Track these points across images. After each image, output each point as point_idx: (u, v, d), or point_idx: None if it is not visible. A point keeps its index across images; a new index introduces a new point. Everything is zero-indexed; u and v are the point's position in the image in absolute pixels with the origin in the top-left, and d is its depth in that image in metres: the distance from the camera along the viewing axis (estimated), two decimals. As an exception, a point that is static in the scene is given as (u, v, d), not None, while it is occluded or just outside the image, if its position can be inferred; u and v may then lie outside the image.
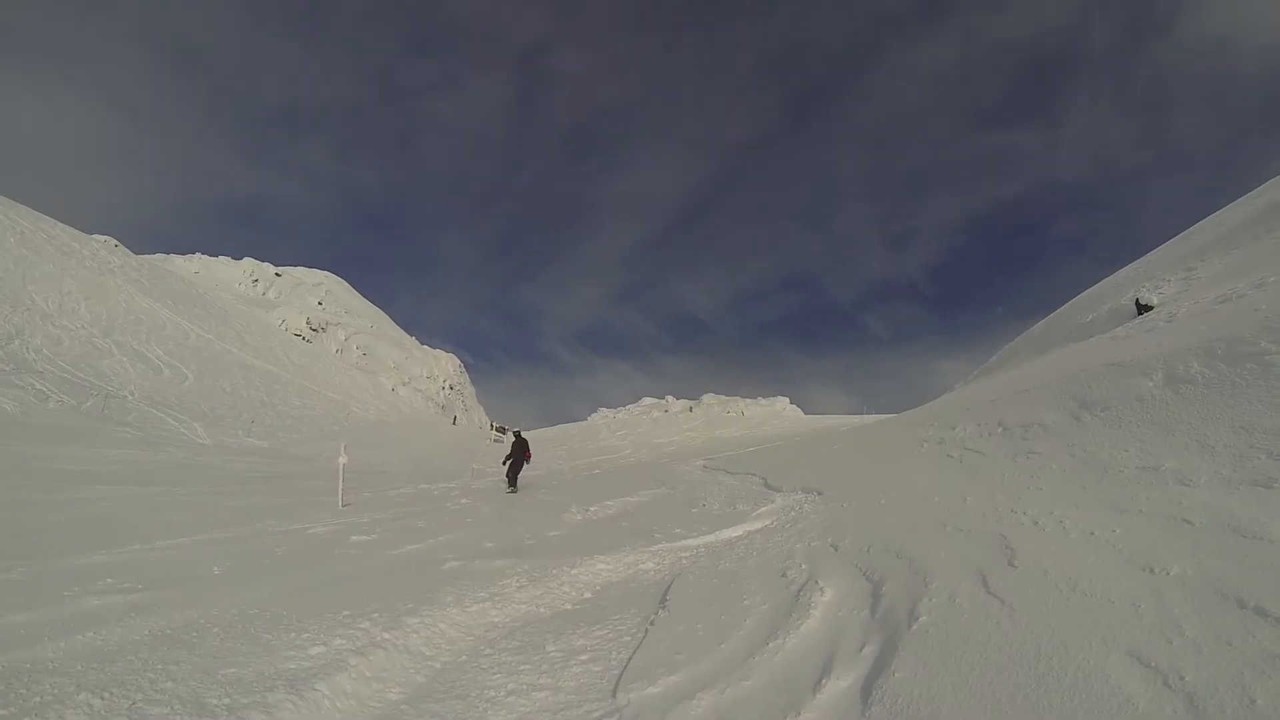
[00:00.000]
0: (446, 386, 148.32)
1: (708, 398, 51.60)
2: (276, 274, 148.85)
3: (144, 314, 52.43)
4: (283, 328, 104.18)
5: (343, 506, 13.73)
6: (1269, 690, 3.03)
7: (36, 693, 4.09)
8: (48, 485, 13.28)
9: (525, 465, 21.19)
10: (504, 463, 21.22)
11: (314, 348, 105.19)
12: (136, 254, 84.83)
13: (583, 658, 5.98)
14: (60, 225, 61.35)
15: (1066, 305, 23.32)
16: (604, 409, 53.99)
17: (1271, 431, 6.07)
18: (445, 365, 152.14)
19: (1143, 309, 15.52)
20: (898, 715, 3.91)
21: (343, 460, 14.85)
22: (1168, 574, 4.41)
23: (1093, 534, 5.47)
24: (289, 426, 42.89)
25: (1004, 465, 8.38)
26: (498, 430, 66.82)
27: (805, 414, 47.71)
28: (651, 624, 6.55)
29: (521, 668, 5.88)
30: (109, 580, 7.02)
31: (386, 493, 16.87)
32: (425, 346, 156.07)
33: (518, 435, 21.51)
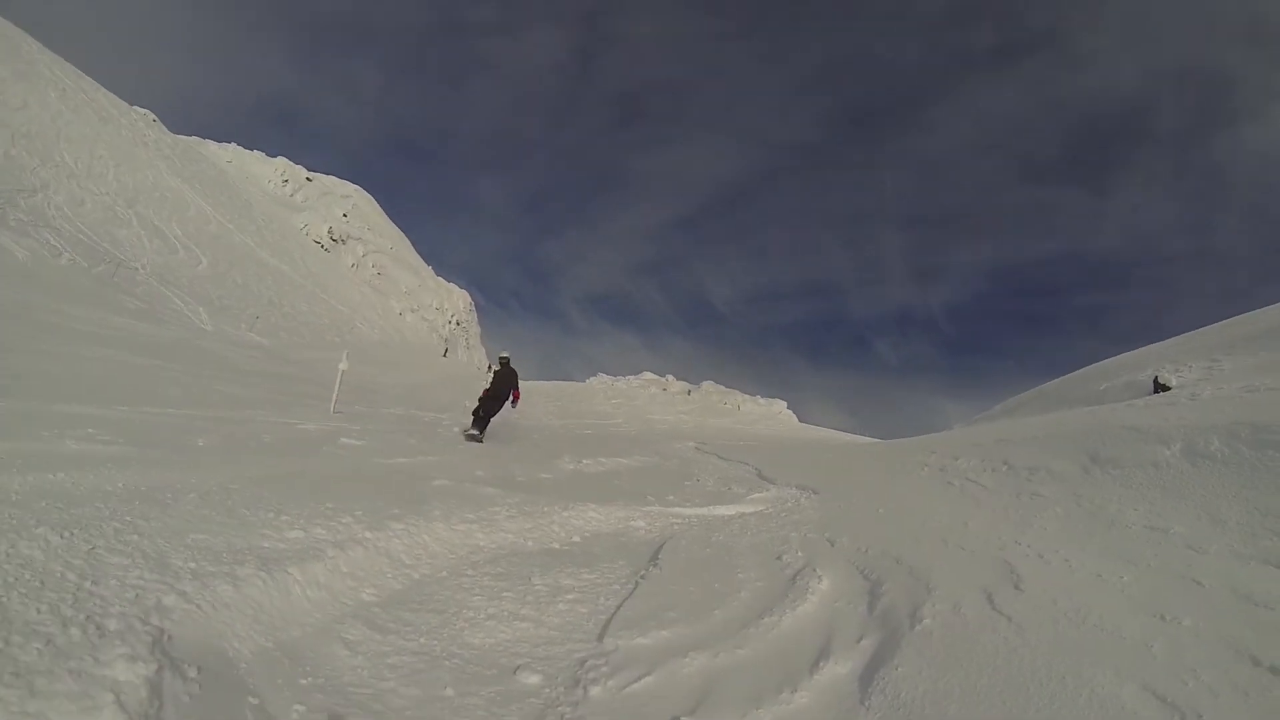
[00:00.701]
0: (454, 321, 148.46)
1: (707, 385, 51.59)
2: (308, 178, 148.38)
3: (170, 192, 51.99)
4: (304, 232, 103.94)
5: (334, 412, 13.67)
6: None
7: (-9, 520, 3.91)
8: (46, 338, 13.17)
9: (511, 407, 16.31)
10: (480, 399, 15.71)
11: (331, 258, 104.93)
12: (174, 133, 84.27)
13: (569, 597, 5.93)
14: (102, 90, 60.63)
15: (1080, 371, 23.26)
16: (604, 375, 53.90)
17: (1286, 518, 6.04)
18: (456, 300, 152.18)
19: (1160, 388, 15.44)
20: (899, 709, 3.86)
21: (343, 366, 14.76)
22: (1180, 624, 4.37)
23: (1100, 576, 5.42)
24: (292, 329, 42.81)
25: (1007, 501, 8.34)
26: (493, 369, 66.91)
27: (800, 421, 47.80)
28: (642, 578, 6.51)
29: (504, 594, 5.83)
30: (90, 430, 6.90)
31: (379, 410, 16.80)
32: (440, 278, 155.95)
33: (505, 363, 16.34)
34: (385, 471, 8.89)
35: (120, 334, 17.51)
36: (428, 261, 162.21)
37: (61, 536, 3.96)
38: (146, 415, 8.68)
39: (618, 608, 5.71)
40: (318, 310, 56.87)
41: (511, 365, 16.47)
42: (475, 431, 15.30)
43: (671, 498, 10.64)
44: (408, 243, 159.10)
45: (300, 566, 4.91)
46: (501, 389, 15.85)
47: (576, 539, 7.89)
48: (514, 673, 4.49)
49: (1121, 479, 7.99)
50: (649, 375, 54.32)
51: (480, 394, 16.06)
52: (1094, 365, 23.24)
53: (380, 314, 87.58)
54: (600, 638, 5.12)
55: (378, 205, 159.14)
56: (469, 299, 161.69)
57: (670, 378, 53.42)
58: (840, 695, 4.21)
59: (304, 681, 3.80)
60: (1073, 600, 4.91)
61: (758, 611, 5.52)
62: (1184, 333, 22.45)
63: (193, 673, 3.12)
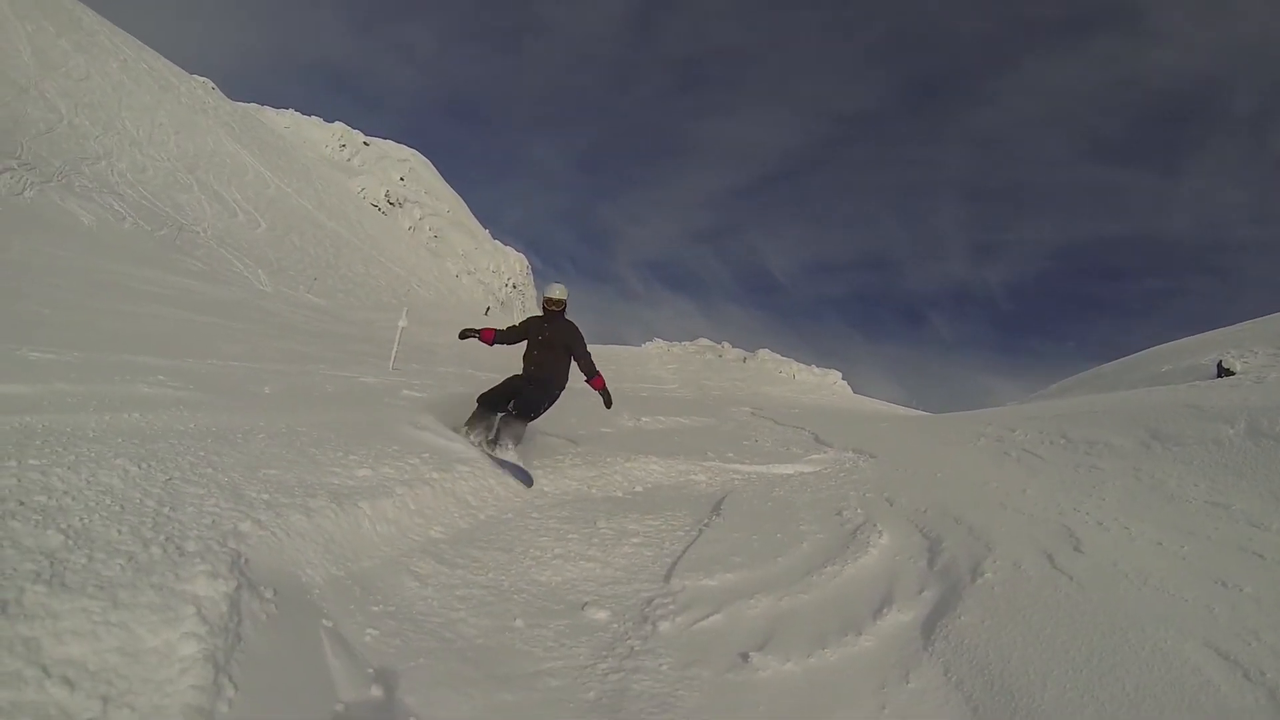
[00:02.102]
0: (510, 284, 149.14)
1: (763, 352, 51.04)
2: (365, 143, 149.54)
3: (229, 157, 52.63)
4: (361, 195, 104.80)
5: (393, 369, 13.88)
6: (1356, 700, 3.06)
7: (73, 452, 4.02)
8: (111, 297, 13.45)
9: (601, 397, 9.00)
10: (517, 377, 8.63)
11: (388, 221, 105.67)
12: (232, 100, 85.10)
13: (634, 540, 6.09)
14: (162, 59, 61.32)
15: (1142, 353, 22.87)
16: (659, 339, 53.47)
17: (1353, 500, 6.02)
18: (513, 263, 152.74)
19: (1224, 373, 15.19)
20: (963, 654, 3.96)
21: (403, 324, 14.90)
22: (1241, 590, 4.41)
23: (1160, 544, 5.46)
24: (349, 290, 43.39)
25: (1064, 472, 8.34)
26: None
27: (854, 393, 47.40)
28: (706, 526, 6.66)
29: (570, 536, 6.00)
30: (160, 377, 6.95)
31: (435, 368, 17.02)
32: (496, 241, 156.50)
33: (557, 309, 8.60)
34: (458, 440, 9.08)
35: (183, 294, 17.88)
36: (484, 225, 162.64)
37: (140, 467, 4.06)
38: (212, 366, 8.87)
39: (683, 552, 5.85)
40: (374, 272, 57.41)
41: (571, 323, 8.69)
42: (485, 435, 8.13)
43: (730, 455, 10.77)
44: (464, 206, 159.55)
45: (370, 502, 5.07)
46: (549, 361, 8.50)
47: (639, 489, 8.09)
48: (582, 608, 4.64)
49: (1182, 456, 7.96)
50: (704, 341, 53.88)
51: (523, 368, 8.62)
52: (1155, 348, 22.85)
53: (436, 276, 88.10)
54: (667, 579, 5.27)
55: (434, 169, 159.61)
56: (525, 262, 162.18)
57: (726, 344, 52.89)
58: (903, 640, 4.32)
59: (375, 609, 3.96)
60: (1133, 564, 4.96)
61: (820, 561, 5.62)
62: (1250, 319, 21.97)
63: (269, 594, 3.26)
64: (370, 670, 3.22)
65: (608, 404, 8.95)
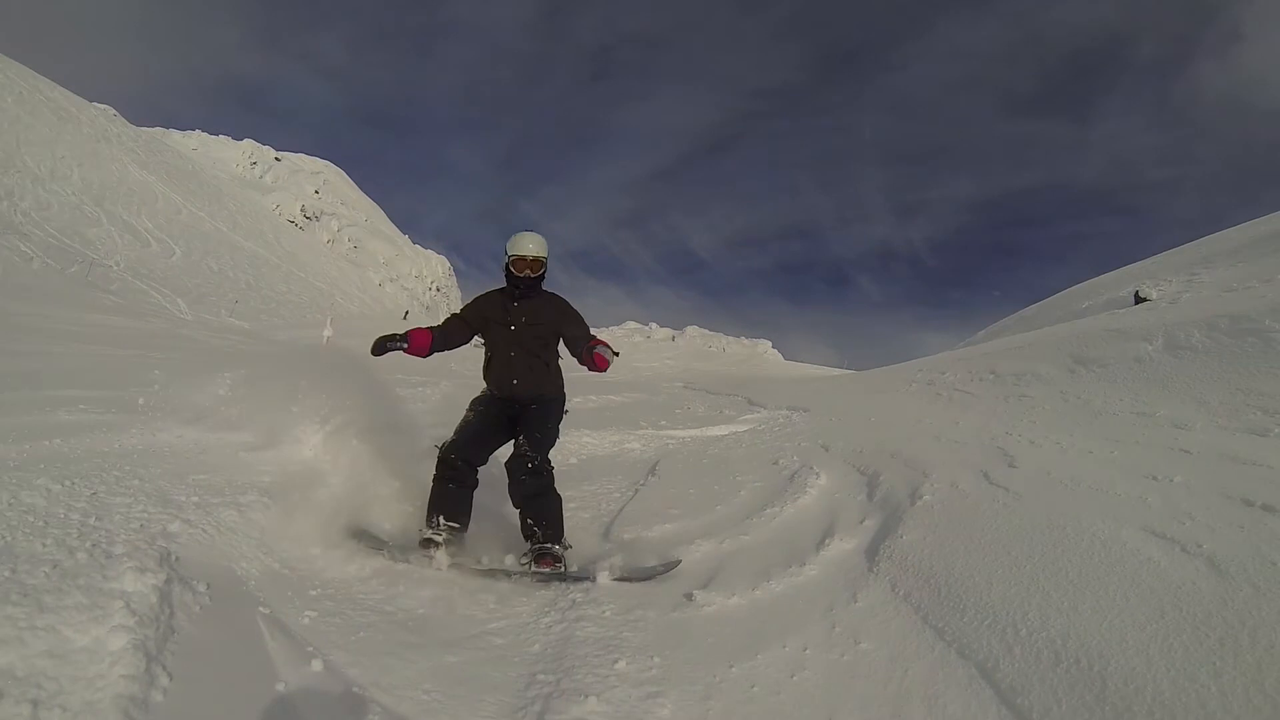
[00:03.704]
0: (434, 287, 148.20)
1: (691, 329, 51.24)
2: (276, 158, 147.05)
3: (137, 185, 51.43)
4: (277, 212, 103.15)
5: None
6: (1292, 559, 3.08)
7: (-8, 480, 3.77)
8: (25, 340, 12.89)
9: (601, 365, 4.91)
10: (481, 405, 5.27)
11: (306, 235, 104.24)
12: (136, 125, 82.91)
13: (570, 505, 5.93)
14: (59, 89, 59.64)
15: (1063, 293, 23.42)
16: (586, 326, 53.74)
17: (1269, 395, 6.16)
18: (435, 266, 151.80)
19: (1140, 301, 15.58)
20: (907, 570, 3.97)
21: (327, 333, 14.54)
22: (1171, 481, 4.45)
23: (1090, 453, 5.56)
24: (272, 310, 42.37)
25: (995, 404, 8.45)
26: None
27: (785, 360, 47.83)
28: (642, 486, 6.61)
29: (504, 509, 5.88)
30: (81, 407, 6.69)
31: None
32: (417, 246, 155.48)
33: (527, 274, 5.04)
34: (384, 421, 8.89)
35: (100, 330, 17.19)
36: (404, 230, 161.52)
37: (63, 485, 3.85)
38: (135, 393, 8.56)
39: (620, 510, 5.79)
40: (296, 289, 56.37)
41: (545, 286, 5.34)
42: (460, 527, 4.86)
43: (664, 423, 10.66)
44: (382, 213, 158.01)
45: (303, 493, 4.89)
46: (537, 365, 5.19)
47: (574, 460, 7.94)
48: (522, 575, 4.55)
49: (1106, 375, 8.13)
50: (631, 324, 53.90)
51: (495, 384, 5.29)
52: (1074, 287, 23.40)
53: (359, 286, 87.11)
54: (605, 535, 5.25)
55: (349, 179, 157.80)
56: (447, 264, 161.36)
57: (654, 325, 53.01)
58: (848, 566, 4.32)
59: (313, 593, 3.81)
60: (1066, 472, 5.00)
61: (759, 506, 5.60)
62: (1163, 252, 22.63)
63: (202, 587, 3.11)
64: (310, 648, 3.09)
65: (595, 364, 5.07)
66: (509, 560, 4.78)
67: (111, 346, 14.34)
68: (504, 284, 5.17)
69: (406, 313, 75.34)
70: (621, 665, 3.24)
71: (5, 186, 34.88)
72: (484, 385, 5.35)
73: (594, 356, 4.96)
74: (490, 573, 4.60)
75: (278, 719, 2.58)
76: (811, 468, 6.44)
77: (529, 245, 5.03)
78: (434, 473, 4.91)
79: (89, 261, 31.62)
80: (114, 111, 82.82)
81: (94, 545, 3.08)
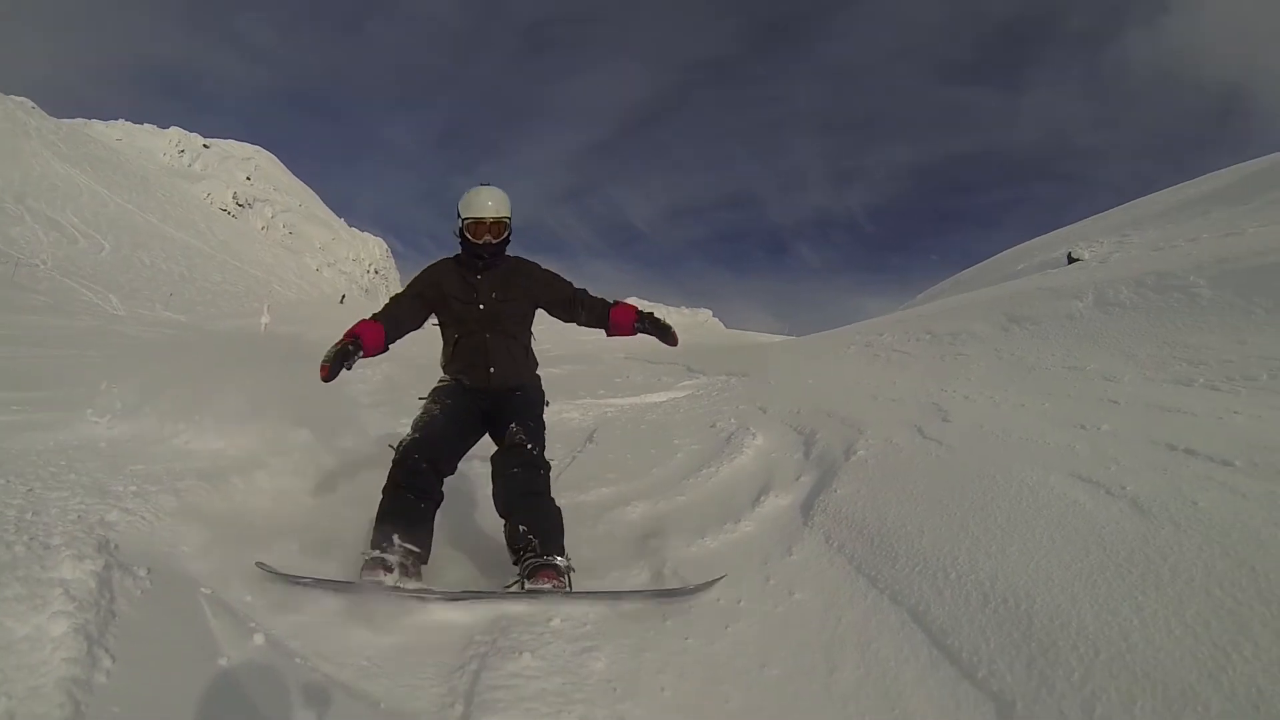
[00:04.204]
0: (372, 270, 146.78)
1: (631, 300, 51.46)
2: (204, 145, 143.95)
3: (60, 180, 50.04)
4: (208, 200, 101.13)
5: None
6: (1210, 498, 3.14)
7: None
8: None
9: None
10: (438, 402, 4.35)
11: (239, 223, 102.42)
12: (55, 117, 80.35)
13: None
14: (-32, 84, 57.81)
15: (997, 256, 23.82)
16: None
17: (1193, 347, 6.30)
18: (372, 249, 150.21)
19: (1073, 261, 15.91)
20: (840, 521, 4.02)
21: (265, 320, 14.35)
22: (1099, 429, 4.55)
23: (1022, 406, 5.65)
24: (209, 301, 41.60)
25: (931, 363, 8.55)
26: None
27: (727, 328, 48.10)
28: (579, 453, 6.59)
29: (469, 528, 5.84)
30: (14, 407, 6.47)
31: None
32: (353, 229, 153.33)
33: (488, 239, 4.22)
34: (328, 399, 8.75)
35: (30, 331, 16.66)
36: (340, 214, 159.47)
37: None
38: (69, 393, 8.31)
39: (556, 476, 5.74)
40: (231, 278, 55.28)
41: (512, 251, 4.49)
42: (402, 548, 3.62)
43: (602, 391, 10.65)
44: (316, 197, 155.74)
45: (243, 475, 4.80)
46: (515, 347, 4.43)
47: (507, 434, 7.89)
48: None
49: (1039, 333, 8.26)
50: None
51: (465, 374, 4.37)
52: (1010, 249, 23.81)
53: (296, 273, 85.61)
54: (542, 499, 5.16)
55: (281, 164, 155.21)
56: (385, 246, 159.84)
57: (591, 296, 53.12)
58: (783, 521, 4.36)
59: (257, 573, 3.76)
60: (998, 424, 5.09)
61: (695, 467, 5.64)
62: (1095, 215, 23.09)
63: (142, 572, 3.04)
64: (252, 624, 3.03)
65: (672, 338, 4.70)
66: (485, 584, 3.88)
67: (43, 348, 13.95)
68: (455, 254, 4.35)
69: (343, 297, 74.08)
70: (556, 623, 3.23)
71: (-82, 192, 33.79)
72: (441, 373, 4.46)
73: (618, 309, 4.59)
74: (466, 598, 3.51)
75: (221, 691, 2.55)
76: (749, 429, 6.46)
77: (487, 204, 4.19)
78: (387, 479, 3.93)
79: (14, 261, 30.70)
80: (31, 104, 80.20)
81: (31, 539, 3.00)
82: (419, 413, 4.28)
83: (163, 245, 51.11)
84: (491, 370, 4.22)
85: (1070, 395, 5.78)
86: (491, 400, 4.28)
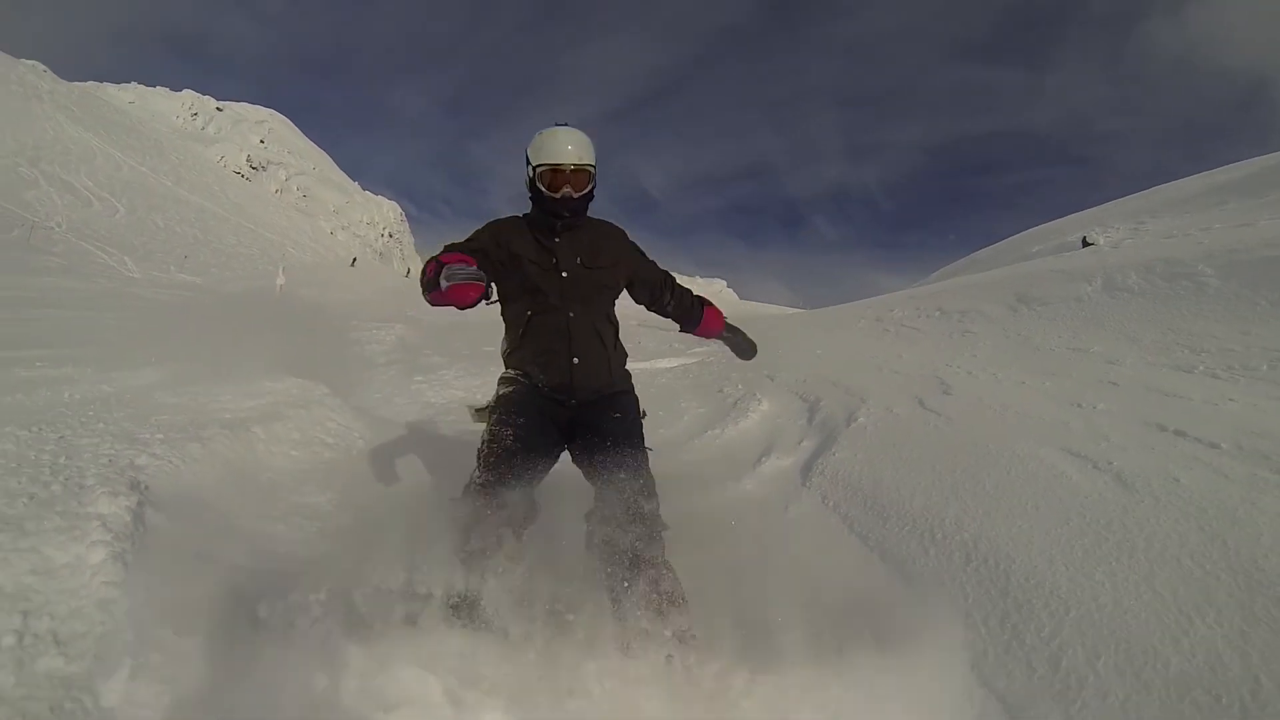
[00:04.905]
0: (386, 234, 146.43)
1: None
2: (218, 108, 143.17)
3: (73, 143, 49.83)
4: (222, 163, 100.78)
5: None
6: (1193, 476, 3.27)
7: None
8: None
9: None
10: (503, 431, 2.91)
11: (253, 186, 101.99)
12: (67, 81, 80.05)
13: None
14: (-17, 47, 57.68)
15: (1014, 237, 23.80)
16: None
17: (1196, 334, 6.39)
18: (386, 213, 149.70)
19: (1088, 246, 15.92)
20: (838, 484, 4.18)
21: (280, 281, 14.45)
22: (1095, 408, 4.67)
23: (1024, 383, 5.75)
24: (223, 264, 41.40)
25: (939, 339, 8.64)
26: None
27: (740, 299, 48.04)
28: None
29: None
30: (37, 363, 6.63)
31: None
32: (367, 192, 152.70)
33: (568, 193, 3.05)
34: (343, 358, 8.87)
35: (46, 294, 16.73)
36: (354, 177, 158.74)
37: (30, 431, 3.86)
38: (89, 351, 8.44)
39: (565, 439, 5.90)
40: (246, 241, 55.00)
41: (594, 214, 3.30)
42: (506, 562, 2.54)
43: (613, 356, 10.69)
44: (330, 161, 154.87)
45: (264, 425, 4.92)
46: (605, 330, 3.27)
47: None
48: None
49: (1047, 314, 8.34)
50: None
51: (542, 367, 3.15)
52: (1025, 232, 23.80)
53: (310, 236, 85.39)
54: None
55: (295, 127, 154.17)
56: (399, 210, 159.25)
57: (603, 266, 52.98)
58: (783, 482, 4.52)
59: (275, 513, 3.90)
60: (997, 399, 5.22)
61: (700, 429, 5.80)
62: (1113, 200, 23.01)
63: (171, 509, 3.23)
64: (279, 549, 3.26)
65: (750, 354, 4.12)
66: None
67: (60, 309, 14.06)
68: (522, 213, 3.29)
69: (355, 259, 73.88)
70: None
71: (-67, 155, 33.79)
72: (508, 367, 3.31)
73: (712, 310, 3.84)
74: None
75: (240, 603, 2.66)
76: (755, 395, 6.61)
77: (567, 147, 3.10)
78: (458, 509, 2.75)
79: (29, 225, 30.63)
80: (44, 67, 79.79)
81: (67, 479, 3.17)
82: (484, 435, 3.03)
83: (177, 208, 51.08)
84: (575, 361, 3.13)
85: (1071, 375, 5.88)
86: (573, 407, 3.20)
